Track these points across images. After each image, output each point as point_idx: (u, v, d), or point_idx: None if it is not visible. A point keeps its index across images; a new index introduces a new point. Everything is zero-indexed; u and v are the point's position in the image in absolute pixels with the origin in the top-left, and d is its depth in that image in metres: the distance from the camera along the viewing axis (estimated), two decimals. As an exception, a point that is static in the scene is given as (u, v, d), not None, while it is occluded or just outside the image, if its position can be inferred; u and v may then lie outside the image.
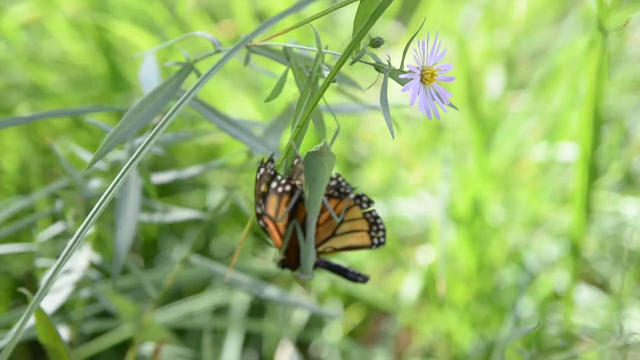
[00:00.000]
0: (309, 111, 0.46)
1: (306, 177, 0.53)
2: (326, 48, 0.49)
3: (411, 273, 1.05)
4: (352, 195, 0.57)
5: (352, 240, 0.58)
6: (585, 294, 1.02)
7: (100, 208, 0.43)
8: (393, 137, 0.45)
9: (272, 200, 0.54)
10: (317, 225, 0.57)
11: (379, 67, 0.48)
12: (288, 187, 0.54)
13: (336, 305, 1.04)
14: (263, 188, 0.53)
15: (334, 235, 0.58)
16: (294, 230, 0.56)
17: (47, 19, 1.12)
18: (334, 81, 0.46)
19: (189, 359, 0.64)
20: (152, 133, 0.40)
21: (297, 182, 0.55)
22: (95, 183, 0.60)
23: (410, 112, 1.22)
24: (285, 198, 0.55)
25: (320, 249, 0.58)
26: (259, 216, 0.54)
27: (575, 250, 0.89)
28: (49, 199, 0.83)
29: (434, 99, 0.48)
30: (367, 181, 1.16)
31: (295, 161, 0.55)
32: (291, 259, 0.57)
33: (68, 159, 0.61)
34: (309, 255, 0.56)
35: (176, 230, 1.09)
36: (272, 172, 0.54)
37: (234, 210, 1.12)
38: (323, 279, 1.02)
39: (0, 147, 1.02)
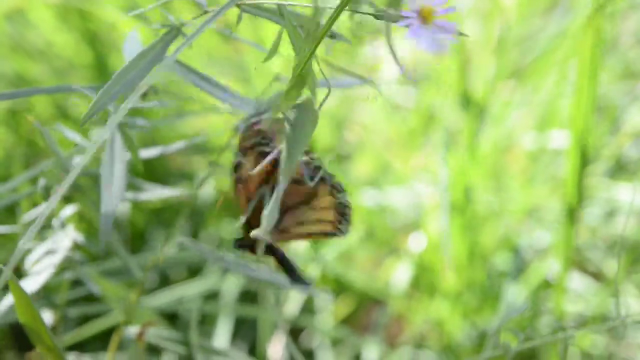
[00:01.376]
0: (301, 67, 0.45)
1: (285, 135, 0.49)
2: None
3: (402, 261, 1.04)
4: (329, 183, 0.54)
5: (315, 227, 0.56)
6: (578, 282, 1.01)
7: (78, 168, 0.41)
8: (402, 71, 0.43)
9: (251, 159, 0.52)
10: (285, 210, 0.55)
11: (378, 15, 0.46)
12: (268, 149, 0.52)
13: (327, 293, 1.03)
14: (244, 144, 0.51)
15: (300, 223, 0.56)
16: (260, 203, 0.54)
17: (30, 8, 1.11)
18: (332, 36, 0.45)
19: (176, 341, 0.63)
20: (136, 91, 0.38)
21: (274, 145, 0.53)
22: (79, 160, 0.59)
23: (401, 102, 1.21)
24: (260, 159, 0.52)
25: (282, 231, 0.56)
26: (238, 179, 0.52)
27: (566, 238, 0.88)
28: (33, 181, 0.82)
29: (439, 35, 0.46)
30: (357, 171, 1.15)
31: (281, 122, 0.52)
32: (250, 228, 0.55)
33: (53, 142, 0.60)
34: (272, 214, 0.52)
35: (164, 221, 1.08)
36: (256, 130, 0.52)
37: (222, 201, 1.11)
38: (314, 268, 1.01)
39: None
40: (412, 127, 1.16)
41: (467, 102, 1.02)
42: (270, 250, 0.56)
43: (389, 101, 1.16)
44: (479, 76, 1.10)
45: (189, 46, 0.50)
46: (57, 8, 1.11)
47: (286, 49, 0.50)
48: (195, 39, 0.43)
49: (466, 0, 1.20)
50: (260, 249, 0.55)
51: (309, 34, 0.44)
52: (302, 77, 0.47)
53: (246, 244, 0.56)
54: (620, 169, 1.08)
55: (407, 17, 0.45)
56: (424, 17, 0.46)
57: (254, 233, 0.53)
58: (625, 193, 1.03)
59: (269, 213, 0.52)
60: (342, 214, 0.55)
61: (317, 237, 0.56)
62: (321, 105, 0.51)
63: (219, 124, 1.09)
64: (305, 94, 0.50)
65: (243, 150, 0.52)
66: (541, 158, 1.06)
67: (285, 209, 0.55)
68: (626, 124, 1.09)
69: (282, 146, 0.51)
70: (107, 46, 1.14)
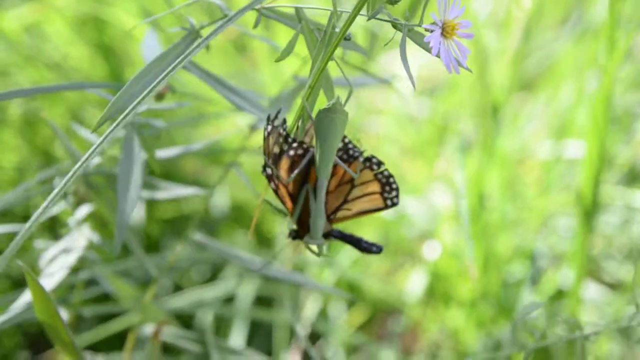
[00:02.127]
0: (322, 68, 0.45)
1: (317, 137, 0.51)
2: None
3: (417, 270, 1.04)
4: (361, 158, 0.55)
5: (365, 204, 0.56)
6: (593, 291, 1.01)
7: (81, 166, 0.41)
8: (414, 86, 0.44)
9: (284, 163, 0.53)
10: (328, 192, 0.55)
11: (396, 24, 0.46)
12: (300, 150, 0.53)
13: (342, 302, 1.03)
14: (275, 149, 0.52)
15: (345, 201, 0.56)
16: (306, 197, 0.55)
17: (47, 22, 1.12)
18: (346, 39, 0.45)
19: (192, 340, 0.63)
20: (154, 84, 0.39)
21: (309, 145, 0.53)
22: (95, 160, 0.60)
23: (415, 113, 1.21)
24: (298, 162, 0.53)
25: (333, 216, 0.57)
26: (269, 178, 0.53)
27: (582, 247, 0.88)
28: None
29: (455, 55, 0.47)
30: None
31: (308, 123, 0.53)
32: (304, 227, 0.56)
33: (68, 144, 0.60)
34: (318, 220, 0.54)
35: (178, 231, 1.09)
36: (284, 133, 0.52)
37: (235, 212, 1.12)
38: (329, 275, 1.01)
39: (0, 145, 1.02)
40: (427, 137, 1.16)
41: (482, 112, 1.02)
42: (328, 235, 0.57)
43: (403, 111, 1.16)
44: (494, 86, 1.11)
45: (206, 54, 0.51)
46: (72, 21, 1.12)
47: (301, 49, 0.51)
48: (213, 38, 0.43)
49: (481, 12, 1.21)
50: (320, 249, 0.56)
51: (326, 36, 0.45)
52: (320, 78, 0.47)
53: (301, 237, 0.56)
54: (634, 177, 1.08)
55: (430, 29, 0.45)
56: (447, 30, 0.46)
57: (308, 241, 0.55)
58: (639, 201, 1.03)
59: (316, 219, 0.53)
60: (387, 183, 0.56)
61: (371, 212, 0.57)
62: (345, 103, 0.51)
63: (231, 131, 1.10)
64: (325, 95, 0.51)
65: (274, 155, 0.52)
66: (556, 167, 1.06)
67: (327, 193, 0.55)
68: (640, 133, 1.09)
69: (314, 146, 0.52)
70: (121, 59, 1.15)
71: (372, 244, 0.57)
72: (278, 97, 0.63)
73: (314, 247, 0.56)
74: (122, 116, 0.39)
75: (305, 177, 0.54)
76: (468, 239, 0.94)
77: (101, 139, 0.38)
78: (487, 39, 1.18)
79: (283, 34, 1.08)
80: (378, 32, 0.95)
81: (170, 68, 0.41)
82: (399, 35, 0.47)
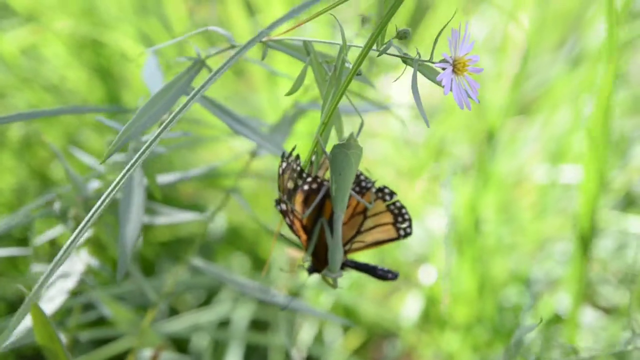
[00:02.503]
0: (335, 104, 0.45)
1: (332, 172, 0.51)
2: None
3: (413, 294, 1.04)
4: (373, 189, 0.56)
5: (378, 235, 0.57)
6: (589, 316, 1.01)
7: (103, 206, 0.42)
8: (428, 125, 0.44)
9: (299, 198, 0.53)
10: (342, 224, 0.56)
11: (407, 59, 0.47)
12: (315, 185, 0.53)
13: (337, 326, 1.03)
14: (289, 184, 0.52)
15: (359, 232, 0.57)
16: (321, 229, 0.55)
17: (44, 44, 1.12)
18: (358, 74, 0.45)
19: (189, 365, 0.63)
20: (165, 123, 0.39)
21: (323, 179, 0.54)
22: (94, 184, 0.60)
23: (411, 136, 1.21)
24: (312, 196, 0.54)
25: (347, 247, 0.57)
26: (284, 213, 0.53)
27: (578, 272, 0.88)
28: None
29: (465, 91, 0.47)
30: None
31: (322, 157, 0.54)
32: (320, 259, 0.56)
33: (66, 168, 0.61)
34: (336, 253, 0.54)
35: (174, 254, 1.09)
36: (299, 169, 0.52)
37: (231, 235, 1.12)
38: (325, 299, 1.01)
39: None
40: (423, 160, 1.16)
41: (478, 135, 1.03)
42: (343, 265, 0.57)
43: (400, 134, 1.17)
44: (490, 110, 1.11)
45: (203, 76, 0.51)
46: (70, 44, 1.13)
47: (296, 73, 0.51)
48: (222, 74, 0.44)
49: (478, 36, 1.21)
50: (336, 283, 0.56)
51: (336, 71, 0.45)
52: (332, 113, 0.47)
53: (317, 269, 0.57)
54: (630, 202, 1.08)
55: (443, 64, 0.46)
56: (458, 68, 0.47)
57: (327, 274, 0.55)
58: (635, 226, 1.03)
59: (335, 253, 0.53)
60: (399, 214, 0.56)
61: (385, 243, 0.57)
62: (358, 136, 0.52)
63: (228, 155, 1.10)
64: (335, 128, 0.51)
65: (288, 190, 0.53)
66: (552, 191, 1.07)
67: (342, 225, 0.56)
68: (636, 158, 1.09)
69: (330, 180, 0.53)
70: (118, 81, 1.15)
71: (388, 271, 0.57)
72: (278, 123, 0.63)
73: (331, 280, 0.56)
74: (138, 154, 0.40)
75: (320, 210, 0.54)
76: (451, 267, 0.94)
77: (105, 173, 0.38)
78: (483, 63, 1.18)
79: (281, 59, 1.08)
80: (374, 54, 0.96)
81: (185, 104, 0.41)
82: (396, 60, 0.48)
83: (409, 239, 1.09)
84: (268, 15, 1.14)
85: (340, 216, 0.53)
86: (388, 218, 0.56)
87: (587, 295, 1.05)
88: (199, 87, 0.44)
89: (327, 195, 0.54)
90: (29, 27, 1.09)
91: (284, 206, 0.53)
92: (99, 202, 0.42)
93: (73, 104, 1.14)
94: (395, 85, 1.25)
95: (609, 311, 1.03)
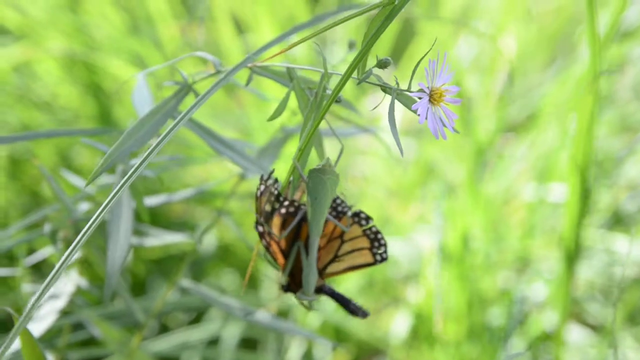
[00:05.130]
0: (312, 130, 0.46)
1: (309, 196, 0.52)
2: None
3: (402, 311, 1.05)
4: (349, 214, 0.56)
5: (354, 259, 0.57)
6: (576, 334, 1.02)
7: (91, 229, 0.42)
8: (402, 154, 0.45)
9: (276, 220, 0.54)
10: (319, 248, 0.57)
11: (385, 88, 0.48)
12: (292, 209, 0.54)
13: (326, 343, 1.03)
14: (267, 207, 0.53)
15: (336, 257, 0.57)
16: (298, 252, 0.56)
17: (37, 61, 1.13)
18: (337, 101, 0.46)
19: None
20: (151, 149, 0.40)
21: (300, 203, 0.55)
22: (84, 206, 0.60)
23: (401, 156, 1.22)
24: (290, 219, 0.54)
25: (326, 271, 0.58)
26: (261, 235, 0.54)
27: (564, 290, 0.89)
28: (34, 227, 0.83)
29: (441, 120, 0.48)
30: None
31: (299, 181, 0.54)
32: (296, 282, 0.57)
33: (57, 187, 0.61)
34: (310, 276, 0.55)
35: (165, 271, 1.09)
36: (276, 192, 0.53)
37: (221, 252, 1.12)
38: (314, 317, 1.01)
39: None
40: (412, 179, 1.17)
41: (466, 154, 1.03)
42: (320, 290, 0.58)
43: (389, 153, 1.17)
44: (479, 129, 1.12)
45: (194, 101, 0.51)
46: (62, 61, 1.13)
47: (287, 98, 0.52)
48: (208, 98, 0.45)
49: (467, 55, 1.22)
50: (312, 306, 0.57)
51: (317, 98, 0.46)
52: (310, 138, 0.48)
53: (293, 290, 0.57)
54: (617, 221, 1.09)
55: (419, 94, 0.47)
56: (434, 98, 0.48)
57: (299, 298, 0.56)
58: (622, 245, 1.04)
59: (309, 276, 0.54)
60: (375, 239, 0.57)
61: (361, 267, 0.58)
62: (336, 162, 0.53)
63: (218, 174, 1.11)
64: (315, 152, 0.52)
65: (265, 212, 0.53)
66: (540, 210, 1.07)
67: (318, 249, 0.56)
68: (623, 177, 1.10)
69: (306, 204, 0.53)
70: (110, 98, 1.16)
71: (359, 308, 0.58)
72: (265, 147, 0.64)
73: (305, 302, 0.57)
74: (124, 180, 0.40)
75: (297, 234, 0.55)
76: (440, 286, 0.95)
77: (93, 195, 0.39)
78: (471, 83, 1.20)
79: (269, 83, 1.09)
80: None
81: (170, 129, 0.42)
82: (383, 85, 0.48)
83: (399, 257, 1.10)
84: (257, 34, 1.15)
85: (316, 240, 0.54)
86: (365, 243, 0.57)
87: (574, 313, 1.06)
88: (185, 111, 0.45)
89: (304, 219, 0.55)
90: (21, 45, 1.10)
91: (260, 228, 0.53)
92: (87, 226, 0.42)
93: (65, 120, 1.14)
94: (384, 106, 1.26)
95: (596, 329, 1.04)
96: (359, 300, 1.08)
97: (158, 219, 1.08)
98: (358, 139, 1.22)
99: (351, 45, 0.55)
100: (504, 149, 1.17)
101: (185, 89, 0.50)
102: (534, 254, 1.07)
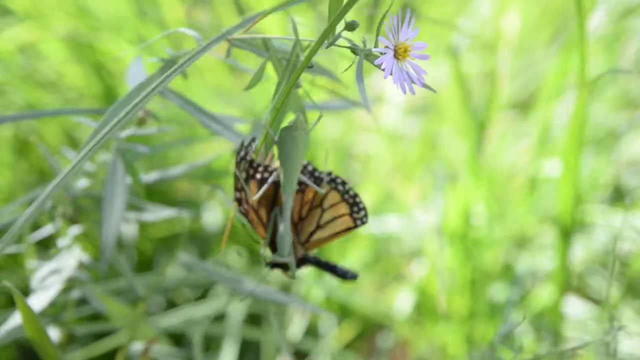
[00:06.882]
0: (285, 92, 0.47)
1: (280, 156, 0.52)
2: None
3: (405, 287, 1.06)
4: (326, 179, 0.57)
5: (336, 227, 0.58)
6: (578, 308, 1.03)
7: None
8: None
9: (252, 187, 0.54)
10: (301, 219, 0.57)
11: (354, 49, 0.48)
12: (267, 174, 0.54)
13: (331, 318, 1.04)
14: (243, 175, 0.54)
15: (318, 226, 0.58)
16: (276, 219, 0.56)
17: (42, 42, 1.14)
18: (310, 66, 0.47)
19: (181, 358, 0.65)
20: (123, 113, 0.41)
21: (274, 168, 0.55)
22: (82, 183, 0.62)
23: (405, 131, 1.23)
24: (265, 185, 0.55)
25: (308, 243, 0.58)
26: (239, 202, 0.54)
27: (562, 264, 0.90)
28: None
29: (410, 76, 0.48)
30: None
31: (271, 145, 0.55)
32: (275, 249, 0.57)
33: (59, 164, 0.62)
34: (285, 237, 0.55)
35: (171, 248, 1.10)
36: (249, 159, 0.54)
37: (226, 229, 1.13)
38: (318, 293, 1.02)
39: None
40: (415, 156, 1.18)
41: (469, 131, 1.04)
42: (304, 261, 0.59)
43: (392, 131, 1.18)
44: (481, 106, 1.13)
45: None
46: (67, 41, 1.14)
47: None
48: (185, 68, 0.46)
49: (469, 32, 1.23)
50: (293, 270, 0.57)
51: (289, 64, 0.47)
52: (282, 103, 0.49)
53: (279, 264, 0.58)
54: (618, 196, 1.10)
55: (382, 53, 0.47)
56: (399, 53, 0.48)
57: (276, 259, 0.56)
58: (622, 219, 1.04)
59: (284, 237, 0.54)
60: (354, 203, 0.57)
61: (344, 233, 0.59)
62: (313, 127, 0.53)
63: (222, 151, 1.12)
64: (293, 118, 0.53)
65: (242, 180, 0.54)
66: (542, 186, 1.08)
67: (299, 220, 0.57)
68: (624, 153, 1.11)
69: (278, 169, 0.54)
70: (115, 77, 1.17)
71: (347, 271, 0.59)
72: (257, 121, 0.65)
73: (287, 270, 0.57)
74: (95, 141, 0.41)
75: (274, 201, 0.56)
76: (444, 262, 0.96)
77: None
78: (473, 59, 1.20)
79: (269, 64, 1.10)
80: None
81: (141, 96, 0.43)
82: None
83: (402, 233, 1.11)
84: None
85: (290, 200, 0.54)
86: (344, 209, 0.57)
87: (577, 287, 1.07)
88: (165, 83, 0.46)
89: (279, 183, 0.55)
90: (26, 25, 1.11)
91: (238, 194, 0.54)
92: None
93: (70, 99, 1.16)
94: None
95: (598, 302, 1.05)
96: (364, 278, 1.09)
97: (164, 197, 1.10)
98: (361, 116, 1.23)
99: (353, 26, 0.55)
100: (508, 126, 1.18)
101: (170, 64, 0.52)
102: (536, 229, 1.07)
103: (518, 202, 1.10)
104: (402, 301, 1.05)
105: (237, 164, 0.53)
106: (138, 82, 0.51)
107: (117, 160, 0.56)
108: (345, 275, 0.59)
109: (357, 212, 0.57)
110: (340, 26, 0.47)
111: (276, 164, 0.56)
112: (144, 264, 1.08)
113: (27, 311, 0.52)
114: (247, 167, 0.54)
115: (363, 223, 0.58)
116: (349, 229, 0.58)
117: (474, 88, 1.17)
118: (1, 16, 1.13)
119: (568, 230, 0.88)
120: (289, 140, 0.52)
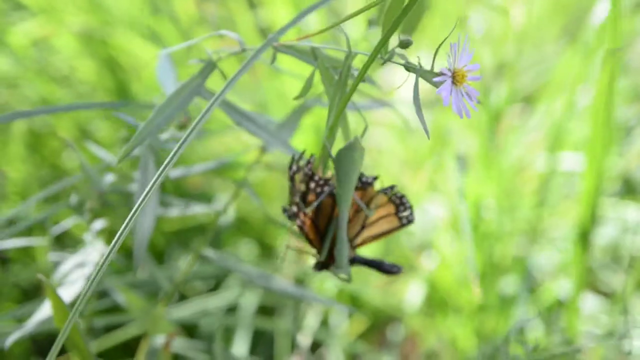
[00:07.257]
0: (340, 110, 0.48)
1: (337, 173, 0.54)
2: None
3: (416, 280, 1.06)
4: (374, 183, 0.58)
5: (382, 226, 0.59)
6: (589, 301, 1.03)
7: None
8: (428, 137, 0.47)
9: (311, 199, 0.55)
10: (348, 221, 0.58)
11: (409, 67, 0.49)
12: (327, 187, 0.56)
13: (342, 311, 1.05)
14: (302, 187, 0.55)
15: (364, 227, 0.59)
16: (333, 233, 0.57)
17: (55, 36, 1.14)
18: (363, 81, 0.47)
19: (200, 351, 0.65)
20: (191, 129, 0.41)
21: (330, 180, 0.56)
22: (109, 177, 0.62)
23: (415, 125, 1.23)
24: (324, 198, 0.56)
25: (354, 243, 0.59)
26: (296, 215, 0.55)
27: (579, 259, 0.90)
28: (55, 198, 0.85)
29: (464, 98, 0.49)
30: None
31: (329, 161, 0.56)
32: (330, 258, 0.59)
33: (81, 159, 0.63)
34: (343, 250, 0.56)
35: (183, 242, 1.11)
36: (310, 172, 0.55)
37: (239, 222, 1.14)
38: (330, 285, 1.03)
39: (7, 156, 1.04)
40: (426, 149, 1.18)
41: (480, 124, 1.04)
42: (353, 261, 0.60)
43: (404, 124, 1.18)
44: (492, 99, 1.13)
45: (213, 74, 0.53)
46: (80, 36, 1.15)
47: (299, 69, 0.53)
48: (237, 79, 0.46)
49: (479, 25, 1.23)
50: (347, 273, 0.59)
51: (342, 77, 0.47)
52: (337, 119, 0.50)
53: (326, 266, 0.60)
54: (629, 189, 1.10)
55: (442, 75, 0.48)
56: (457, 79, 0.48)
57: (334, 273, 0.58)
58: (634, 212, 1.05)
59: (341, 250, 0.56)
60: (400, 203, 0.58)
61: (390, 232, 0.60)
62: (362, 137, 0.54)
63: (235, 146, 1.12)
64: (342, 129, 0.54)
65: (300, 193, 0.55)
66: (553, 179, 1.08)
67: (347, 222, 0.58)
68: (634, 145, 1.11)
69: (335, 183, 0.55)
70: (128, 72, 1.17)
71: (393, 266, 0.60)
72: (285, 120, 0.66)
73: (342, 275, 0.59)
74: (142, 145, 0.42)
75: (332, 212, 0.57)
76: (470, 250, 0.96)
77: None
78: (484, 54, 1.20)
79: (281, 57, 1.10)
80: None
81: (207, 108, 0.43)
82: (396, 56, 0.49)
83: (412, 227, 1.11)
84: (270, 8, 1.16)
85: (345, 213, 0.55)
86: (390, 209, 0.58)
87: (588, 281, 1.07)
88: (219, 92, 0.46)
89: (333, 194, 0.56)
90: (39, 20, 1.11)
91: (295, 208, 0.55)
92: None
93: (83, 94, 1.16)
94: (400, 74, 1.27)
95: (608, 296, 1.06)
96: (374, 272, 1.09)
97: (177, 190, 1.10)
98: (373, 110, 1.23)
99: (371, 23, 0.56)
100: (518, 119, 1.18)
101: (211, 66, 0.52)
102: (546, 222, 1.08)
103: (529, 195, 1.11)
104: (412, 294, 1.05)
105: (292, 178, 0.54)
106: (168, 79, 0.51)
107: (148, 157, 0.56)
108: (391, 270, 0.60)
109: (403, 210, 0.58)
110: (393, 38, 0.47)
111: (329, 173, 0.57)
112: (156, 256, 1.08)
113: (59, 303, 0.52)
114: (307, 179, 0.55)
115: (409, 222, 0.59)
116: (395, 228, 0.59)
117: (485, 81, 1.17)
118: (15, 11, 1.14)
119: (588, 226, 0.88)
120: (348, 160, 0.53)
